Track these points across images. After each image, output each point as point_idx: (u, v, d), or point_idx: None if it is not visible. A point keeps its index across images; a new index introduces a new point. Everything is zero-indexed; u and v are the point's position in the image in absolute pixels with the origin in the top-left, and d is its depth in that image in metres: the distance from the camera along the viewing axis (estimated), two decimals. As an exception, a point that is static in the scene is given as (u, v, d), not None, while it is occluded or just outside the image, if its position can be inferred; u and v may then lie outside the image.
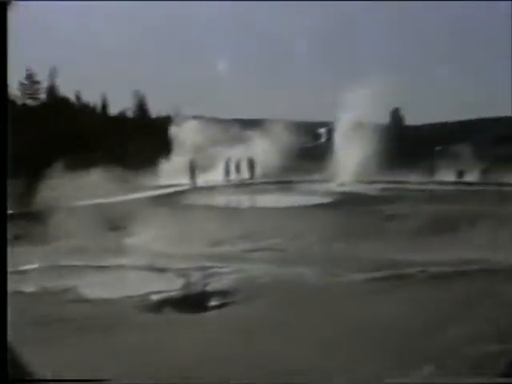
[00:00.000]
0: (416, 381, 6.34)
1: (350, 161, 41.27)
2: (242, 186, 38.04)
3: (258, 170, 43.30)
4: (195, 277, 11.48)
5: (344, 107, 43.77)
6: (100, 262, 13.18)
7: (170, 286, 10.82)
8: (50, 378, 5.05)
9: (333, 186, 36.22)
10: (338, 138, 44.86)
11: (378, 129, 43.56)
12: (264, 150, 45.39)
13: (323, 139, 60.33)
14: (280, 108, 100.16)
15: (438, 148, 66.14)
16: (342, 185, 37.17)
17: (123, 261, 13.28)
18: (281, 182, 39.35)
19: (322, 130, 62.35)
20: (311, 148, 61.48)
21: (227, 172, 41.47)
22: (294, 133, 49.25)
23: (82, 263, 13.11)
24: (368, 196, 30.75)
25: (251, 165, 42.81)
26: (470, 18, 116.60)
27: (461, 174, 42.56)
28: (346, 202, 27.02)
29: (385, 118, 57.39)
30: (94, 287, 11.08)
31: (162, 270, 12.33)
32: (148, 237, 16.68)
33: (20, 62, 44.59)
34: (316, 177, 39.97)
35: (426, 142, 69.42)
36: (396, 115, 68.35)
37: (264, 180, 40.95)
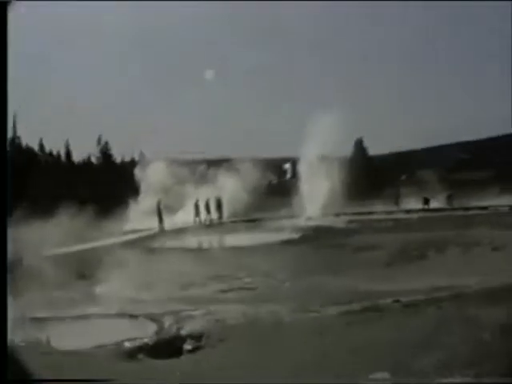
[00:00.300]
0: (417, 381, 6.55)
1: (316, 194, 41.45)
2: (211, 226, 37.94)
3: (227, 210, 43.19)
4: (168, 321, 11.32)
5: (307, 141, 44.06)
6: (70, 313, 12.93)
7: (143, 332, 10.64)
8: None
9: (301, 221, 36.26)
10: (303, 173, 45.02)
11: (342, 161, 43.93)
12: (231, 189, 45.31)
13: (289, 175, 60.58)
14: (245, 145, 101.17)
15: (402, 177, 66.83)
16: (310, 219, 37.26)
17: (94, 309, 13.05)
18: (249, 220, 39.31)
19: (287, 166, 62.64)
20: (278, 184, 61.68)
21: (197, 213, 41.23)
22: (260, 170, 49.43)
23: (52, 314, 12.84)
24: (336, 229, 30.86)
25: (219, 204, 42.65)
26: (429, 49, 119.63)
27: (426, 201, 42.86)
28: (315, 237, 27.04)
29: (348, 150, 57.96)
30: (66, 338, 10.84)
31: (133, 317, 12.14)
32: (118, 283, 16.45)
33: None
34: (284, 213, 40.00)
35: (390, 172, 70.13)
36: (359, 146, 68.84)
37: (233, 219, 40.89)
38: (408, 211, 39.38)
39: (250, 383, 7.27)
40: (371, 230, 28.89)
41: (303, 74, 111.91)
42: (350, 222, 34.44)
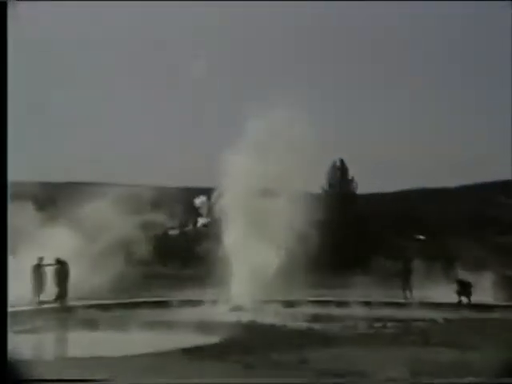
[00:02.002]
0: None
1: (251, 261, 41.13)
2: (46, 312, 37.46)
3: (82, 282, 42.70)
4: None
5: (237, 161, 43.71)
6: None
7: None
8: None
9: (221, 312, 36.20)
10: (229, 217, 44.36)
11: (303, 200, 43.55)
12: (85, 243, 45.09)
13: (203, 219, 59.82)
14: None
15: (418, 236, 67.15)
16: (238, 309, 37.21)
17: None
18: (122, 304, 39.08)
19: (200, 201, 62.06)
20: (181, 237, 61.05)
21: (39, 284, 40.66)
22: (151, 206, 49.40)
23: None
24: (285, 331, 30.50)
25: (63, 273, 41.97)
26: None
27: (465, 287, 42.39)
28: (245, 345, 26.37)
29: (317, 181, 58.25)
30: None
31: None
32: None
33: None
34: (189, 294, 39.84)
35: (392, 225, 70.14)
36: (338, 175, 68.64)
37: (89, 301, 40.53)
38: (427, 305, 39.58)
39: None
40: (353, 338, 28.57)
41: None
42: (313, 319, 34.33)
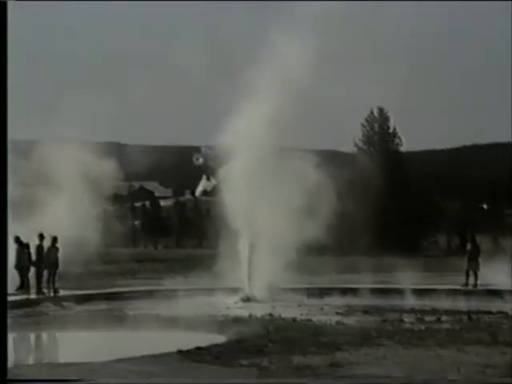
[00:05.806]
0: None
1: (267, 239, 40.74)
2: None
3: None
4: None
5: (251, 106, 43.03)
6: None
7: None
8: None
9: (230, 302, 36.09)
10: (239, 183, 43.46)
11: (339, 160, 43.43)
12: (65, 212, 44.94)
13: (203, 186, 59.40)
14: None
15: (482, 205, 66.90)
16: (250, 299, 37.09)
17: None
18: (103, 294, 39.02)
19: (202, 156, 61.31)
20: (176, 208, 60.94)
21: (23, 268, 40.30)
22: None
23: None
24: (308, 328, 30.28)
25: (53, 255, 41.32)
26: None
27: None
28: (259, 345, 26.30)
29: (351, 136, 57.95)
30: None
31: None
32: None
33: None
34: (188, 281, 39.71)
35: (442, 188, 70.14)
36: (376, 126, 68.14)
37: (68, 292, 40.35)
38: (494, 293, 39.24)
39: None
40: (397, 336, 28.08)
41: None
42: (346, 311, 34.08)
